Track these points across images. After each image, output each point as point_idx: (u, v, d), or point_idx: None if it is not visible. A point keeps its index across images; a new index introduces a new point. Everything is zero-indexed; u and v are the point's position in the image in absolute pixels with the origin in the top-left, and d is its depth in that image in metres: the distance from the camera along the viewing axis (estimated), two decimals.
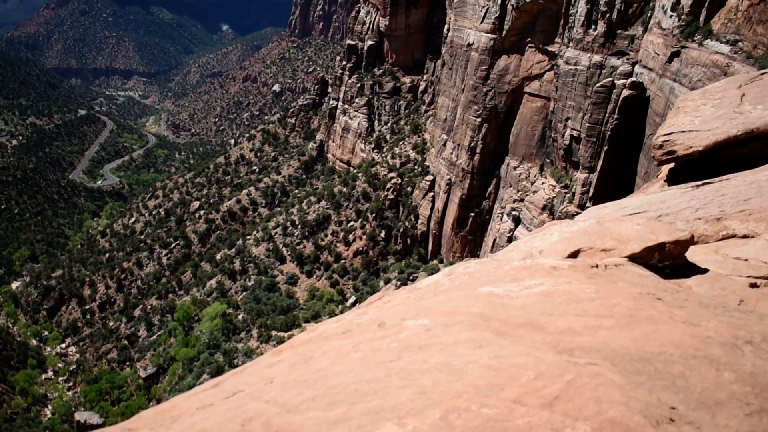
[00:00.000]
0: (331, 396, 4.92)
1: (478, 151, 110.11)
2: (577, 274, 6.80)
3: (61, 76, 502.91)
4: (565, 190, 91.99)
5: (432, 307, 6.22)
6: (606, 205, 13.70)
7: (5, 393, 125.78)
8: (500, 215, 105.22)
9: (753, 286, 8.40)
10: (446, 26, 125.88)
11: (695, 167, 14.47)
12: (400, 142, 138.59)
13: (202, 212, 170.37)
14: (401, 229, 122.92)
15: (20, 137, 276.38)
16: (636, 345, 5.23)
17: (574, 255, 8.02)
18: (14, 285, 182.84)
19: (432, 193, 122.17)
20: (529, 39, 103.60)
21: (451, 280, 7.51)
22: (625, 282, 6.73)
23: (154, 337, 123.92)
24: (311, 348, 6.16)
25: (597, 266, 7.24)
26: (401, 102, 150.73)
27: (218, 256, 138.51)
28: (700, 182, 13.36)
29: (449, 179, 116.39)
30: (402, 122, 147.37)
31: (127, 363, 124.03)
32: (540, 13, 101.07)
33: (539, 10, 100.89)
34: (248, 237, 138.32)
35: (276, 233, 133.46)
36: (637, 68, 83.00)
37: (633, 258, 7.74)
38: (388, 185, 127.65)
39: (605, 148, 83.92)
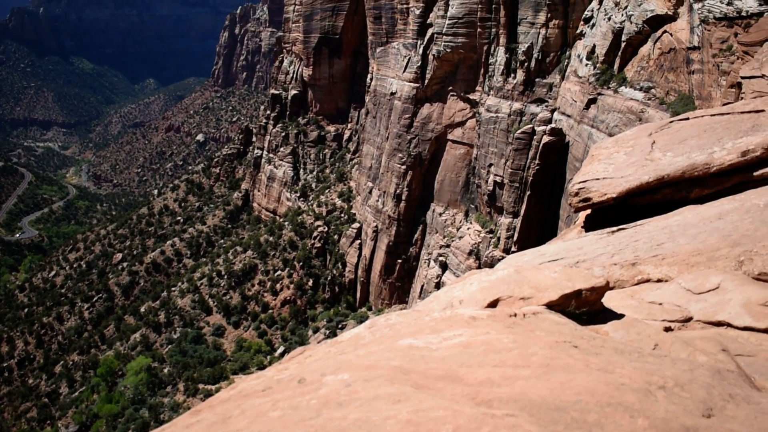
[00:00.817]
0: None
1: (403, 198, 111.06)
2: (496, 324, 6.88)
3: None
4: (491, 235, 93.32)
5: (352, 362, 6.18)
6: (525, 253, 13.94)
7: None
8: (427, 261, 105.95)
9: (667, 329, 8.62)
10: (369, 75, 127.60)
11: (611, 213, 14.87)
12: (326, 191, 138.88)
13: (125, 264, 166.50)
14: (329, 277, 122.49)
15: None
16: (552, 394, 5.29)
17: (493, 304, 8.10)
18: None
19: (359, 241, 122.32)
20: (450, 87, 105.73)
21: (373, 332, 7.49)
22: (542, 330, 6.83)
23: (77, 393, 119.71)
24: (230, 407, 6.03)
25: (515, 315, 7.33)
26: (326, 150, 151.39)
27: (142, 309, 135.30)
28: (615, 228, 13.73)
29: (376, 226, 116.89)
30: (327, 170, 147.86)
31: (48, 422, 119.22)
32: (460, 63, 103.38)
33: (459, 59, 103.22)
34: (173, 288, 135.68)
35: (202, 284, 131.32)
36: (556, 115, 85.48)
37: (551, 306, 7.86)
38: (315, 233, 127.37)
39: (528, 192, 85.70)
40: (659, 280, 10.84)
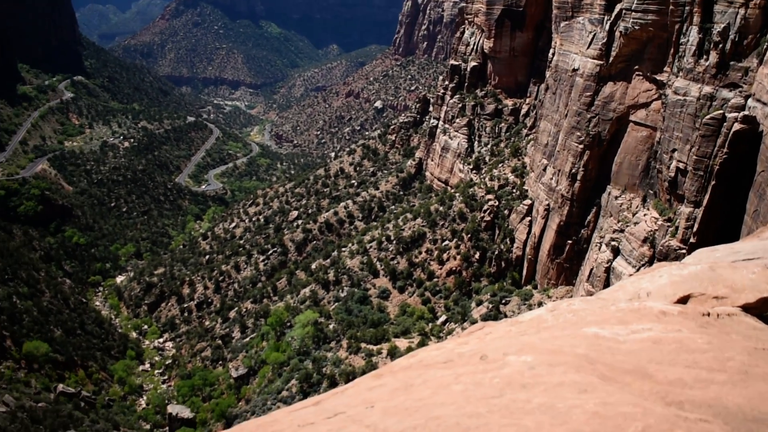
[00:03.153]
0: (432, 427, 4.93)
1: (578, 178, 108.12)
2: (688, 322, 6.61)
3: (172, 83, 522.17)
4: (668, 224, 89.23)
5: (535, 344, 6.15)
6: (717, 248, 13.24)
7: (104, 380, 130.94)
8: (598, 245, 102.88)
9: None
10: (551, 50, 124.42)
11: None
12: (500, 165, 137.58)
13: (300, 222, 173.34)
14: (496, 252, 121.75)
15: (132, 140, 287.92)
16: (750, 404, 5.05)
17: (683, 300, 7.79)
18: (119, 279, 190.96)
19: (529, 218, 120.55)
20: (636, 66, 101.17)
21: (555, 316, 7.41)
22: (738, 334, 6.50)
23: (247, 339, 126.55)
24: (412, 375, 6.18)
25: (708, 314, 7.02)
26: (502, 124, 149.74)
27: (313, 266, 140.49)
28: None
29: (548, 205, 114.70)
30: (502, 144, 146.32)
31: (220, 362, 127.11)
32: (649, 41, 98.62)
33: (648, 37, 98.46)
34: (343, 249, 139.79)
35: (371, 247, 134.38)
36: (750, 102, 79.90)
37: (746, 308, 7.46)
38: (485, 207, 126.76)
39: (713, 182, 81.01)
40: None
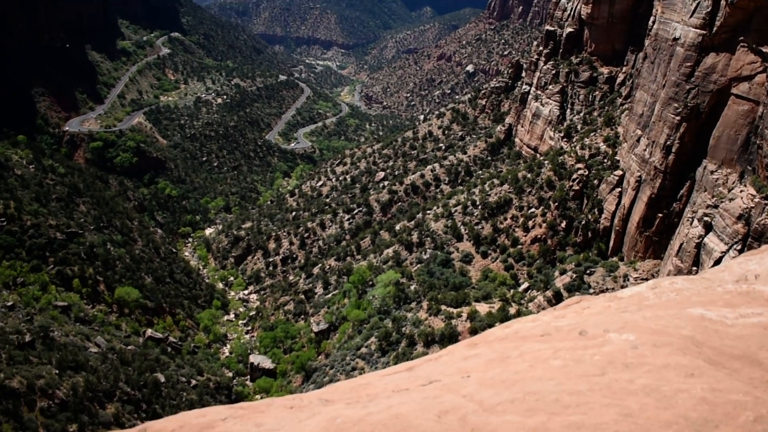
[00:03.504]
0: (530, 402, 4.85)
1: (673, 150, 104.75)
2: None
3: (265, 42, 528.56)
4: (765, 201, 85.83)
5: (638, 323, 5.97)
6: None
7: (191, 328, 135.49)
8: (690, 219, 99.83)
9: None
10: (652, 18, 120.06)
11: None
12: (591, 134, 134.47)
13: (386, 183, 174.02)
14: (583, 222, 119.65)
15: (225, 96, 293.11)
16: None
17: None
18: (208, 231, 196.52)
19: (619, 189, 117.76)
20: (741, 38, 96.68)
21: (657, 294, 7.18)
22: None
23: (329, 295, 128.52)
24: (508, 347, 6.10)
25: None
26: (596, 93, 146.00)
27: (397, 227, 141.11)
28: None
29: (639, 176, 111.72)
30: (595, 113, 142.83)
31: (302, 316, 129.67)
32: (756, 11, 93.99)
33: (756, 7, 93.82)
34: (428, 211, 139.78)
35: (456, 211, 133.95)
36: None
37: None
38: (575, 176, 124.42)
39: None
40: None
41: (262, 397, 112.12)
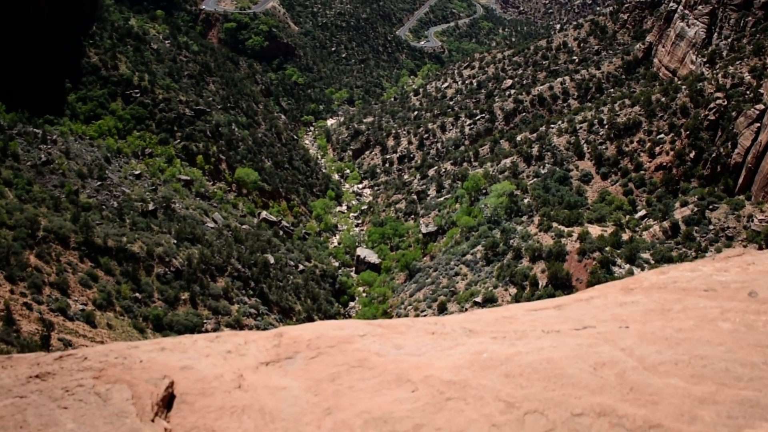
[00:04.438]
0: (697, 367, 4.43)
1: None
2: None
3: None
4: None
5: None
6: None
7: (303, 215, 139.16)
8: None
9: None
10: None
11: None
12: (737, 62, 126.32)
13: (512, 91, 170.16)
14: (713, 155, 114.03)
15: None
16: None
17: None
18: (329, 122, 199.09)
19: (758, 124, 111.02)
20: None
21: None
22: None
23: (441, 199, 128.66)
24: (668, 298, 5.64)
25: None
26: (749, 18, 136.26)
27: (518, 138, 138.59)
28: None
29: None
30: (744, 41, 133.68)
31: (412, 216, 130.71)
32: None
33: None
34: (552, 125, 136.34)
35: (581, 128, 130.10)
36: None
37: None
38: (712, 105, 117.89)
39: None
40: None
41: (364, 290, 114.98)
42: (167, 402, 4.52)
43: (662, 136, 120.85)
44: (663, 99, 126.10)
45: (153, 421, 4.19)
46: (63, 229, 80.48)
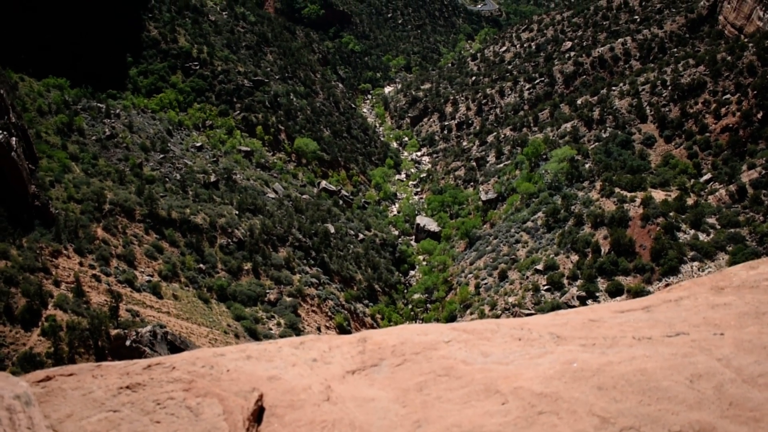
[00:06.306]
0: None
1: None
2: None
3: None
4: None
5: None
6: None
7: (362, 184, 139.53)
8: None
9: None
10: None
11: None
12: None
13: (572, 53, 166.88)
14: None
15: None
16: None
17: None
18: (387, 90, 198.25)
19: None
20: None
21: None
22: None
23: (501, 165, 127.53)
24: (763, 299, 5.41)
25: None
26: None
27: (579, 101, 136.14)
28: None
29: None
30: None
31: (471, 183, 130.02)
32: None
33: None
34: (613, 88, 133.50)
35: (643, 90, 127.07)
36: None
37: None
38: None
39: None
40: None
41: (424, 258, 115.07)
42: (257, 416, 4.54)
43: (728, 96, 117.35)
44: (729, 58, 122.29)
45: None
46: (128, 201, 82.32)
